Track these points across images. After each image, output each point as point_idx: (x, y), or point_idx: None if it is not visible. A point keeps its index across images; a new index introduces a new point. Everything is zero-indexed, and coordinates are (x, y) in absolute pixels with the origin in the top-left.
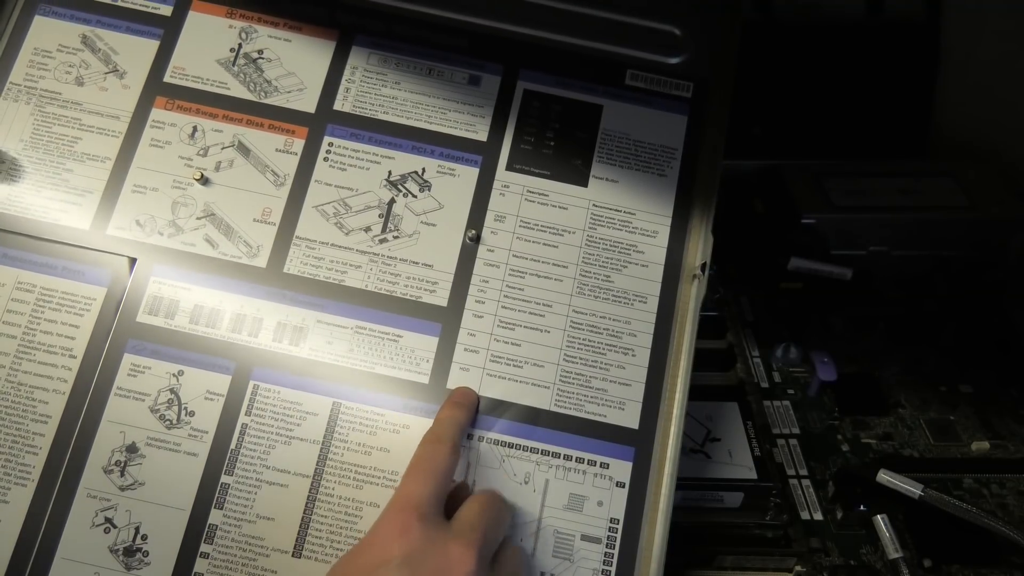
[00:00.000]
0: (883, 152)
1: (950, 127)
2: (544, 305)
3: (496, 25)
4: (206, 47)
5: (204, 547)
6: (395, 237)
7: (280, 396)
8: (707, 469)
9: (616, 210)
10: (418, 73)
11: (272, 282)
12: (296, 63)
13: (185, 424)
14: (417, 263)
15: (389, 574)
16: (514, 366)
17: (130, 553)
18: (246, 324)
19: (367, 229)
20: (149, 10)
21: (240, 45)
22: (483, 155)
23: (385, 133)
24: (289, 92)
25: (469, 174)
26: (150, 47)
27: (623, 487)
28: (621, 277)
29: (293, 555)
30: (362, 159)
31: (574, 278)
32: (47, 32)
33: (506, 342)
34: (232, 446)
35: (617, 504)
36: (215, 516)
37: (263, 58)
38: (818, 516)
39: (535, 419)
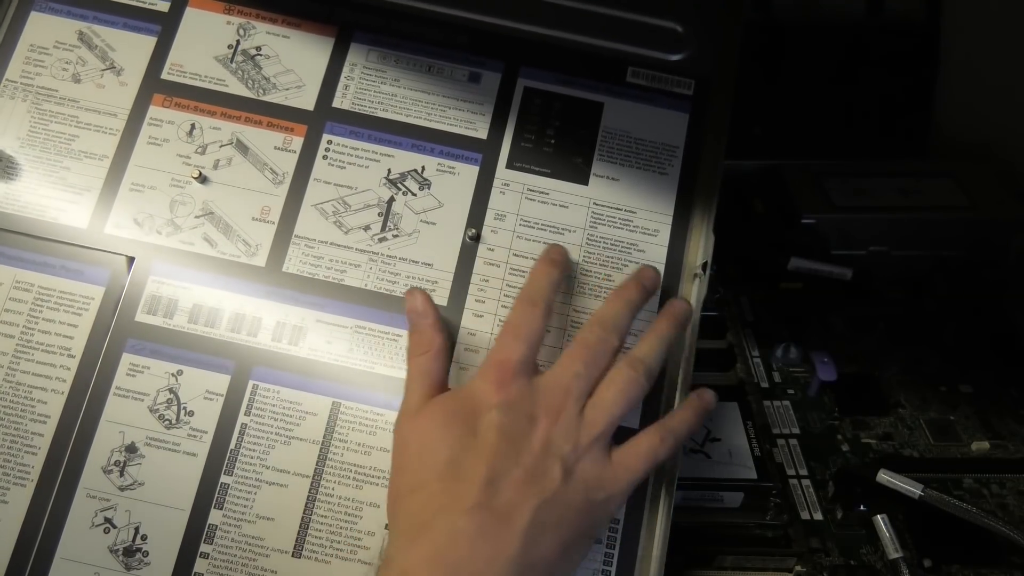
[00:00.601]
0: (883, 152)
1: (950, 127)
2: None
3: (497, 22)
4: (204, 44)
5: (204, 547)
6: (395, 236)
7: (280, 396)
8: (707, 469)
9: (617, 208)
10: (418, 70)
11: (271, 281)
12: (295, 60)
13: (184, 424)
14: (417, 262)
15: (490, 414)
16: None
17: (130, 553)
18: (245, 323)
19: (366, 228)
20: (146, 6)
21: (238, 42)
22: (483, 153)
23: (384, 131)
24: (288, 89)
25: (469, 172)
26: (147, 43)
27: None
28: (622, 276)
29: (293, 555)
30: (361, 157)
31: (575, 277)
32: (43, 28)
33: None
34: (232, 446)
35: None
36: (215, 516)
37: (261, 55)
38: (818, 516)
39: None
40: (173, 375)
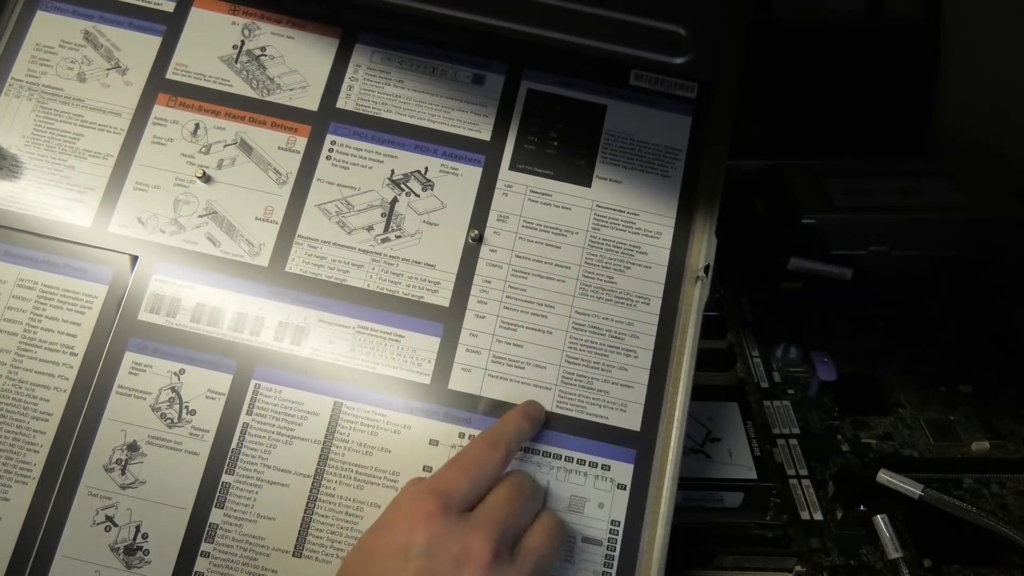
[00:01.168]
0: (883, 152)
1: (950, 127)
2: (546, 306)
3: (500, 24)
4: (209, 44)
5: (205, 546)
6: (397, 236)
7: (281, 395)
8: (707, 469)
9: (619, 211)
10: (421, 71)
11: (274, 281)
12: (299, 60)
13: (186, 423)
14: (419, 263)
15: (409, 560)
16: (516, 367)
17: (131, 551)
18: (248, 323)
19: (369, 228)
20: (152, 6)
21: (243, 42)
22: (486, 155)
23: (388, 132)
24: (292, 90)
25: (472, 174)
26: (152, 43)
27: (624, 489)
28: (624, 278)
29: (294, 555)
30: (365, 158)
31: (577, 279)
32: (49, 28)
33: (508, 343)
34: (233, 445)
35: (618, 506)
36: (216, 515)
37: (266, 55)
38: (818, 516)
39: None
40: (175, 374)
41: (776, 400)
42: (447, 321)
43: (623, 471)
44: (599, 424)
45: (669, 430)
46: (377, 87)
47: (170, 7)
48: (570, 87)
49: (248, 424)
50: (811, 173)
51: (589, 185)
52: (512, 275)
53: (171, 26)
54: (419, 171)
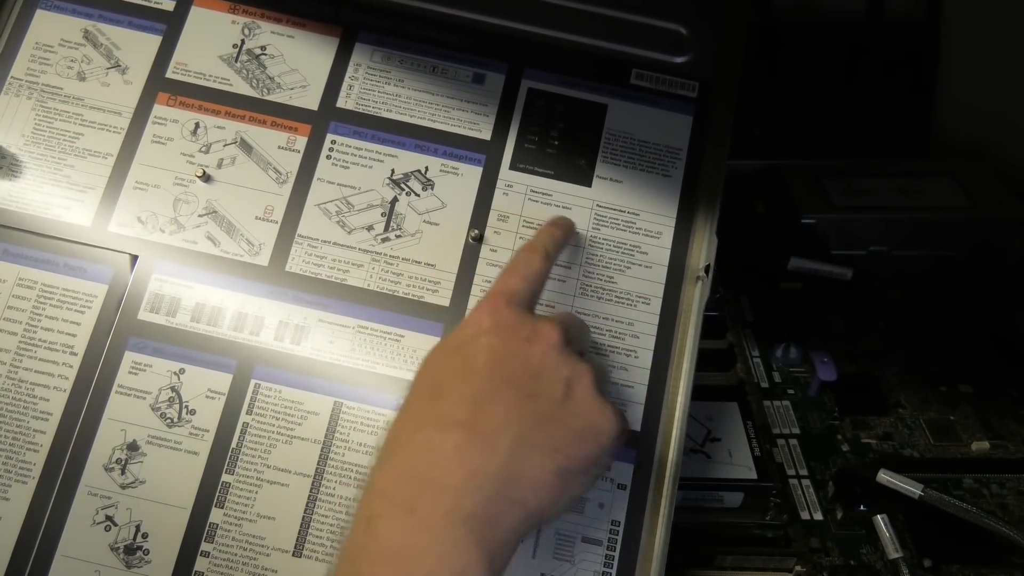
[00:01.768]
0: (883, 152)
1: (950, 127)
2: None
3: (501, 23)
4: (209, 43)
5: (205, 546)
6: (397, 236)
7: (281, 395)
8: (707, 469)
9: (620, 211)
10: (422, 71)
11: (274, 280)
12: (299, 60)
13: (186, 422)
14: (419, 262)
15: (481, 338)
16: None
17: (131, 551)
18: (248, 322)
19: (369, 228)
20: (151, 5)
21: (243, 41)
22: (486, 154)
23: (388, 131)
24: (292, 89)
25: (472, 173)
26: (152, 42)
27: (624, 489)
28: (624, 278)
29: (294, 554)
30: (365, 157)
31: (577, 279)
32: (49, 26)
33: None
34: (233, 445)
35: (618, 507)
36: (216, 515)
37: (266, 54)
38: (818, 516)
39: None
40: (175, 373)
41: (776, 400)
42: (447, 321)
43: (623, 471)
44: None
45: (669, 430)
46: (377, 86)
47: (170, 6)
48: (571, 86)
49: (248, 424)
50: (811, 173)
51: (589, 185)
52: None
53: (171, 25)
54: (419, 171)
